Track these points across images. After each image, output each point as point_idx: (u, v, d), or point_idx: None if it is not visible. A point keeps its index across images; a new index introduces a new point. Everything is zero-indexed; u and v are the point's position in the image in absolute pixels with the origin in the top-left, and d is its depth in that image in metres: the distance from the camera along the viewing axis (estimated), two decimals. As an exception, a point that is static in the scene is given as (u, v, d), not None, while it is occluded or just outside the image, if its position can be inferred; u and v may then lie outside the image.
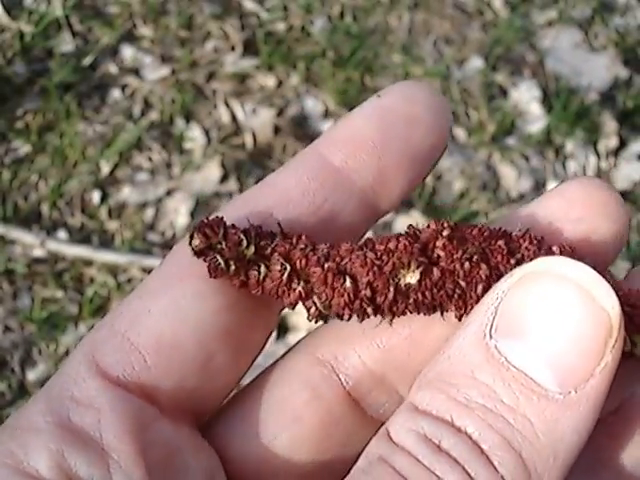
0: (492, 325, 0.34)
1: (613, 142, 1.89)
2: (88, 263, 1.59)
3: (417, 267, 0.36)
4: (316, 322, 0.38)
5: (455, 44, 2.05)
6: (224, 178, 1.73)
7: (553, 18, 2.16)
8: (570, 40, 2.10)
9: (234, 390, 0.42)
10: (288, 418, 0.41)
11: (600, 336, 0.33)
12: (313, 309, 0.37)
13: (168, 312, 0.37)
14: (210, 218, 0.37)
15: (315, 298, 0.37)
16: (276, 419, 0.41)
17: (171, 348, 0.37)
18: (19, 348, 1.49)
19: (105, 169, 1.71)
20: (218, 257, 0.37)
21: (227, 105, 1.85)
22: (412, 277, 0.36)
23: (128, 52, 1.90)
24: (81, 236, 1.63)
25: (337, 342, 0.41)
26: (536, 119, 1.92)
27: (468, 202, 1.76)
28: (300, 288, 0.37)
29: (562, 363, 0.33)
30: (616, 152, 1.89)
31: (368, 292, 0.36)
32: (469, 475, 0.32)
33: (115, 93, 1.83)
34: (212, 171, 1.73)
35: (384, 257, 0.36)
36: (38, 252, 1.59)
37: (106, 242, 1.63)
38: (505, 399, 0.33)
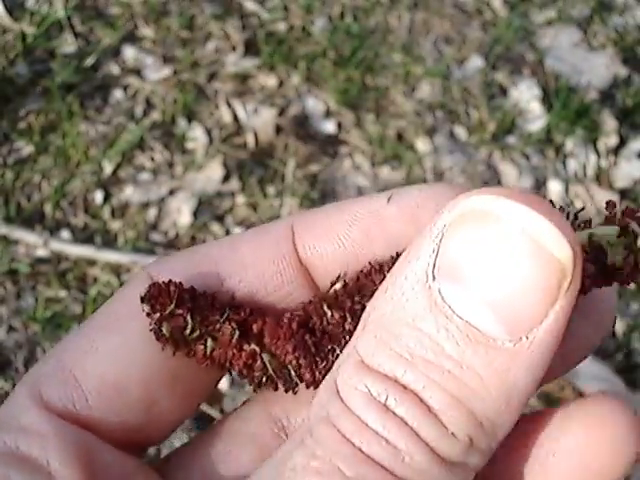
0: (434, 265, 0.31)
1: (613, 140, 1.90)
2: (91, 263, 1.59)
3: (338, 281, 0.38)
4: (259, 387, 0.38)
5: (455, 43, 2.06)
6: (226, 177, 1.73)
7: (552, 17, 2.16)
8: (569, 39, 2.11)
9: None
10: (234, 473, 0.40)
11: (552, 279, 0.30)
12: (260, 368, 0.37)
13: (114, 352, 0.37)
14: (164, 283, 0.37)
15: (264, 355, 0.37)
16: (223, 473, 0.40)
17: (114, 390, 0.37)
18: (23, 348, 1.49)
19: (108, 169, 1.71)
20: (164, 329, 0.37)
21: (229, 105, 1.85)
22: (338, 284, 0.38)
23: (130, 53, 1.91)
24: (84, 236, 1.63)
25: (291, 400, 0.40)
26: (536, 118, 1.92)
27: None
28: (252, 346, 0.37)
29: (511, 310, 0.30)
30: (616, 150, 1.90)
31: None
32: (419, 436, 0.31)
33: (117, 93, 1.84)
34: (214, 171, 1.74)
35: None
36: (41, 252, 1.59)
37: (109, 242, 1.63)
38: (450, 352, 0.31)
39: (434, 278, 0.31)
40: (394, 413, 0.31)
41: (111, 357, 0.37)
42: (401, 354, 0.31)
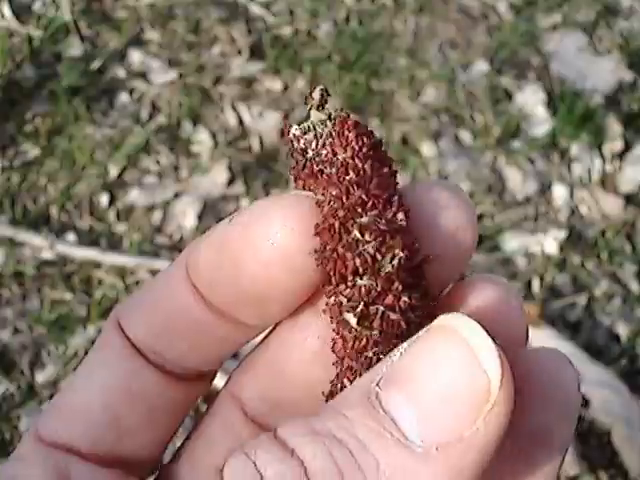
0: (382, 377, 0.32)
1: (618, 145, 1.90)
2: (96, 265, 1.60)
3: None
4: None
5: (460, 48, 2.06)
6: (231, 181, 1.74)
7: (558, 22, 2.17)
8: (575, 44, 2.11)
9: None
10: (214, 469, 0.42)
11: (475, 399, 0.30)
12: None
13: (83, 381, 0.43)
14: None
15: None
16: (205, 470, 0.42)
17: (82, 412, 0.42)
18: (28, 350, 1.50)
19: (113, 172, 1.72)
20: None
21: (234, 109, 1.86)
22: None
23: (136, 56, 1.91)
24: (89, 238, 1.64)
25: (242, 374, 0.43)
26: (541, 122, 1.92)
27: (473, 205, 1.77)
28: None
29: (432, 418, 0.30)
30: (621, 155, 1.90)
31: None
32: None
33: (123, 97, 1.84)
34: (219, 174, 1.74)
35: None
36: (47, 254, 1.60)
37: (114, 244, 1.64)
38: (360, 435, 0.30)
39: (377, 385, 0.31)
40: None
41: (80, 385, 0.43)
42: (314, 427, 0.31)
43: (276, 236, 0.35)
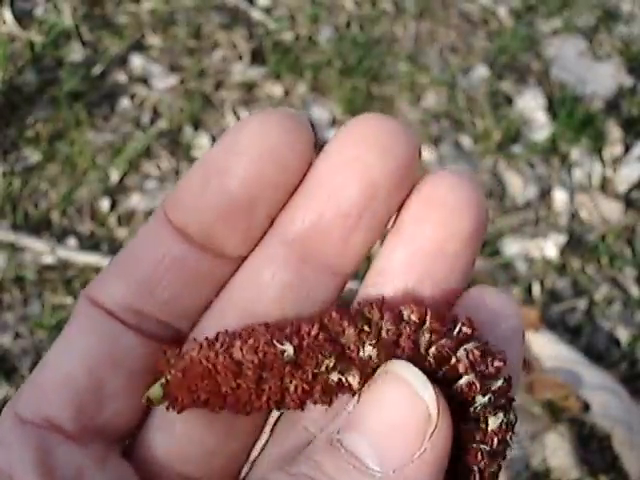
0: (340, 426, 0.37)
1: (618, 150, 1.90)
2: (98, 270, 1.60)
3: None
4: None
5: (460, 53, 2.07)
6: (232, 186, 1.74)
7: (558, 27, 2.17)
8: (575, 48, 2.12)
9: None
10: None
11: (418, 424, 0.36)
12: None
13: (62, 349, 0.42)
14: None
15: None
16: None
17: (64, 380, 0.41)
18: (29, 354, 1.50)
19: (114, 177, 1.72)
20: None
21: (235, 113, 1.86)
22: None
23: (137, 61, 1.92)
24: (91, 243, 1.64)
25: None
26: (541, 127, 1.93)
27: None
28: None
29: (385, 447, 0.35)
30: (621, 159, 1.90)
31: None
32: None
33: (124, 102, 1.85)
34: (220, 179, 1.74)
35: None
36: (48, 259, 1.60)
37: (115, 249, 1.64)
38: (329, 470, 0.35)
39: (338, 431, 0.37)
40: None
41: (60, 353, 0.42)
42: (289, 473, 0.36)
43: (261, 133, 0.38)
